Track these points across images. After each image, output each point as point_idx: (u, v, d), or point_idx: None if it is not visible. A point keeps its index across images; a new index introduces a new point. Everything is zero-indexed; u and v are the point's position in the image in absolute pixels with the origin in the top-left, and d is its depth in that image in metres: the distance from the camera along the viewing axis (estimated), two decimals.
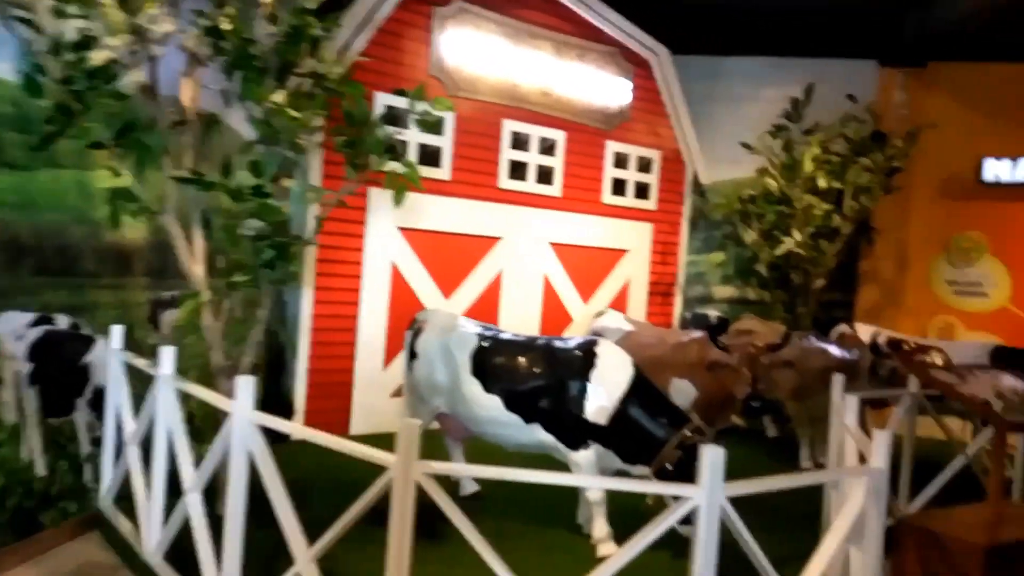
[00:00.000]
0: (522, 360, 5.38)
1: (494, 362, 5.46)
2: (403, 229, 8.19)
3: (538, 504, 5.89)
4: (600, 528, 5.13)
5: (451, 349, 5.63)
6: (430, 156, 8.33)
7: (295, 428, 3.46)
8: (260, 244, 5.03)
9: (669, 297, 10.74)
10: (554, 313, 9.49)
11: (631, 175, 10.12)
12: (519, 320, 9.11)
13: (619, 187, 10.04)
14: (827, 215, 9.01)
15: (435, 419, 5.94)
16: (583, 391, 5.12)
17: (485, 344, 5.57)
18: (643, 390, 5.13)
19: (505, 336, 5.66)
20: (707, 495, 2.81)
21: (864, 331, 9.13)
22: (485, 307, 8.90)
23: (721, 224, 11.10)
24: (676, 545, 4.55)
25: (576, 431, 5.12)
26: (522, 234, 9.13)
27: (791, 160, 9.29)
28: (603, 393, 5.10)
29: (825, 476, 3.27)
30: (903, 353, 8.46)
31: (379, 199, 7.96)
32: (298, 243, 5.28)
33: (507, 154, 8.91)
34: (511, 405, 5.33)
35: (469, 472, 2.85)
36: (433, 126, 7.83)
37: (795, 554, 3.71)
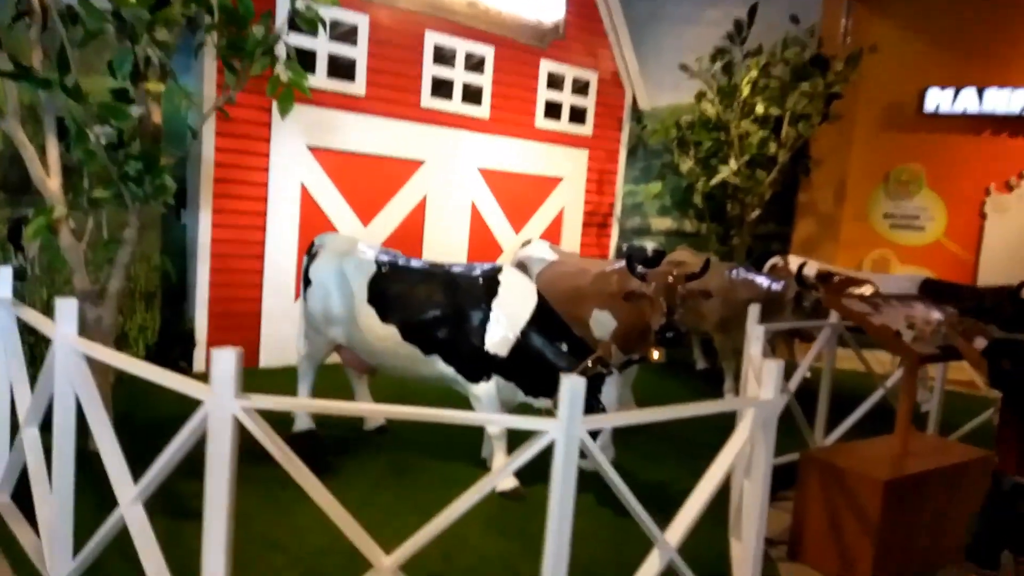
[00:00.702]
0: (421, 288, 4.99)
1: (391, 290, 5.06)
2: (313, 149, 7.60)
3: (443, 439, 5.62)
4: (500, 462, 4.87)
5: (346, 275, 5.20)
6: (343, 69, 7.68)
7: (116, 357, 3.01)
8: (119, 154, 4.46)
9: (605, 228, 10.40)
10: (483, 242, 9.09)
11: (566, 98, 9.60)
12: (445, 249, 8.69)
13: (553, 110, 9.52)
14: (763, 142, 8.67)
15: (334, 351, 5.55)
16: (484, 321, 4.77)
17: (383, 270, 5.15)
18: (546, 320, 4.81)
19: (405, 262, 5.24)
20: (564, 429, 2.49)
21: (797, 263, 8.96)
22: (408, 235, 8.44)
23: (661, 153, 10.74)
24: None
25: (476, 363, 4.80)
26: (448, 158, 8.60)
27: (729, 85, 8.87)
28: (505, 323, 4.76)
29: (706, 408, 3.01)
30: (825, 284, 8.32)
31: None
32: (165, 153, 4.71)
33: (430, 70, 8.28)
34: (409, 335, 4.96)
35: (298, 407, 2.46)
36: (344, 35, 7.22)
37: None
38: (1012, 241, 10.02)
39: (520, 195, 9.38)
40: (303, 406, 2.65)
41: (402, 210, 8.36)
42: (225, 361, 2.42)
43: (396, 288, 5.04)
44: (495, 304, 4.79)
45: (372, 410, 4.29)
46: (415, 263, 5.24)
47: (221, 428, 2.44)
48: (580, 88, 9.73)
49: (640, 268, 6.17)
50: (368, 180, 8.05)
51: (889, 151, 10.31)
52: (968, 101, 9.93)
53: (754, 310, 5.45)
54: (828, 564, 4.39)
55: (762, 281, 7.72)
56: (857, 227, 10.51)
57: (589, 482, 3.32)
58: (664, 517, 2.99)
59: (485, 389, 4.81)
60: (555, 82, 9.46)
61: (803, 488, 4.56)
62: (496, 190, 9.12)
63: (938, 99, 10.03)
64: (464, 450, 5.44)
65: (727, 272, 8.02)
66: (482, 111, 8.82)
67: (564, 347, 4.74)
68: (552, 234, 9.77)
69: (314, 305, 5.37)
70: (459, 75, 8.54)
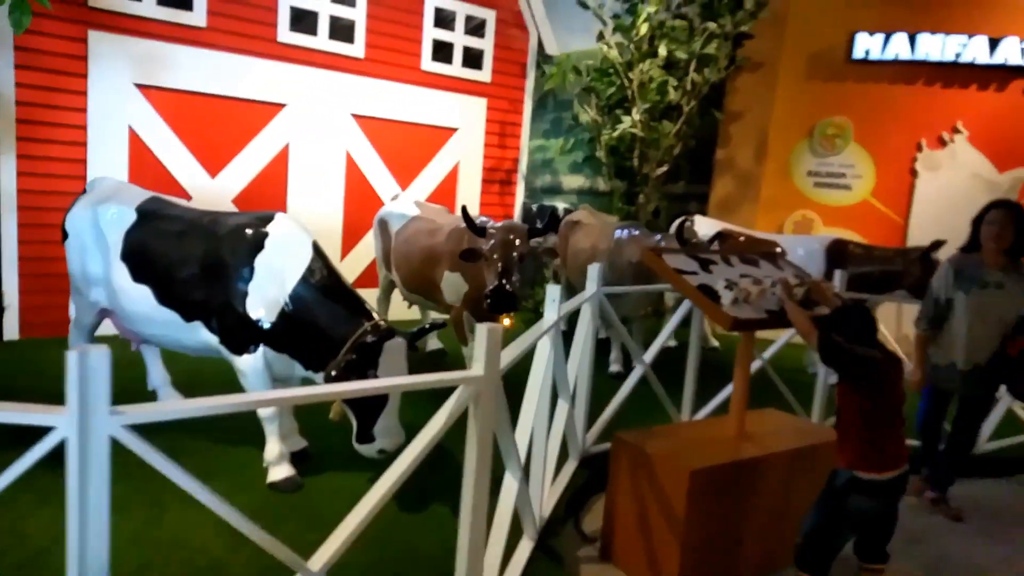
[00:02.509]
0: (180, 241, 4.18)
1: (147, 244, 4.25)
2: (143, 87, 6.69)
3: (232, 423, 4.84)
4: (271, 449, 4.14)
5: (101, 226, 4.38)
6: None
7: None
8: None
9: (509, 186, 9.59)
10: (362, 199, 8.25)
11: (458, 38, 8.70)
12: (316, 205, 7.87)
13: (443, 52, 8.63)
14: (662, 86, 7.82)
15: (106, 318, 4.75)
16: (246, 280, 3.98)
17: (140, 220, 4.34)
18: (322, 278, 4.03)
19: (169, 210, 4.42)
20: (77, 424, 1.74)
21: (704, 224, 8.26)
22: (268, 189, 7.59)
23: (572, 103, 9.88)
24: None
25: (240, 331, 4.02)
26: (314, 102, 7.72)
27: (623, 24, 7.99)
28: (270, 282, 3.97)
29: (404, 384, 2.31)
30: (723, 245, 7.64)
31: (104, 46, 6.42)
32: None
33: None
34: (165, 298, 4.18)
35: None
36: None
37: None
38: (944, 201, 9.33)
39: (406, 147, 8.52)
40: None
41: (259, 160, 7.50)
42: None
43: (153, 241, 4.23)
44: (259, 260, 3.99)
45: None
46: (183, 212, 4.42)
47: None
48: (475, 28, 8.83)
49: (488, 224, 5.42)
50: (215, 125, 7.16)
51: (814, 102, 9.53)
52: (899, 47, 9.15)
53: (593, 271, 4.71)
54: (636, 566, 3.73)
55: (650, 242, 6.97)
56: (779, 186, 9.76)
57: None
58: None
59: (251, 363, 4.04)
60: (444, 20, 8.55)
61: (613, 478, 3.88)
62: (376, 140, 8.26)
63: (867, 45, 9.23)
64: (243, 436, 4.65)
65: (615, 231, 7.28)
66: (355, 49, 7.91)
67: (346, 313, 3.97)
68: (446, 191, 8.97)
69: (72, 261, 4.56)
70: (325, 6, 7.61)
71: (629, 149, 8.45)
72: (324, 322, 3.93)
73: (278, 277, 3.98)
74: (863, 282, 7.02)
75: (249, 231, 4.07)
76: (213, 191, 7.18)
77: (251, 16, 7.16)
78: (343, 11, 7.74)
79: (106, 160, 6.59)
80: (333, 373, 3.75)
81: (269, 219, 4.13)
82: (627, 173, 8.89)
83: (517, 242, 5.09)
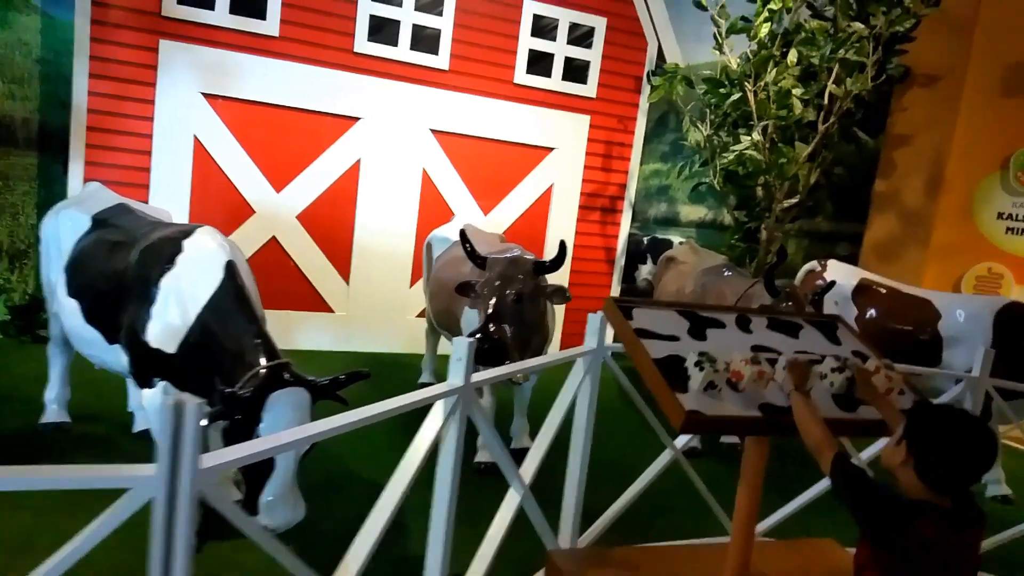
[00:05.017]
0: (108, 253, 3.76)
1: (84, 254, 3.89)
2: (210, 96, 6.58)
3: None
4: None
5: (60, 233, 4.10)
6: (251, 3, 6.59)
7: None
8: None
9: (614, 214, 8.48)
10: (438, 221, 7.55)
11: (559, 48, 7.83)
12: (388, 228, 7.38)
13: (540, 63, 7.81)
14: (784, 99, 6.31)
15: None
16: (151, 303, 3.43)
17: (91, 228, 4.00)
18: (229, 307, 3.35)
19: (120, 219, 4.02)
20: None
21: (840, 271, 6.62)
22: (336, 206, 7.22)
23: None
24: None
25: (141, 360, 3.48)
26: (390, 115, 7.25)
27: (737, 25, 6.61)
28: (174, 307, 3.38)
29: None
30: (862, 297, 6.01)
31: (174, 55, 6.40)
32: None
33: (366, 6, 6.96)
34: (90, 316, 3.77)
35: None
36: None
37: None
38: None
39: (491, 166, 7.79)
40: None
41: (328, 176, 7.14)
42: None
43: (89, 253, 3.86)
44: (166, 281, 3.41)
45: None
46: (130, 222, 4.00)
47: None
48: (581, 37, 7.93)
49: (510, 253, 4.52)
50: (283, 137, 6.91)
51: (1011, 127, 7.37)
52: None
53: (594, 321, 3.60)
54: None
55: (741, 287, 5.60)
56: (958, 229, 7.69)
57: None
58: None
59: (150, 398, 3.47)
60: (544, 28, 7.74)
61: None
62: (457, 159, 7.62)
63: None
64: None
65: (703, 272, 6.00)
66: (439, 61, 7.35)
67: (254, 349, 3.27)
68: (537, 217, 8.10)
69: (41, 267, 4.35)
70: (407, 15, 7.12)
71: (751, 175, 7.03)
72: (221, 359, 3.24)
73: (182, 301, 3.37)
74: None
75: (163, 246, 3.52)
76: (277, 206, 6.94)
77: (327, 25, 6.86)
78: (428, 20, 7.22)
79: (169, 169, 6.56)
80: (203, 424, 3.03)
81: (189, 233, 3.55)
82: (752, 205, 7.44)
83: (517, 278, 4.13)
